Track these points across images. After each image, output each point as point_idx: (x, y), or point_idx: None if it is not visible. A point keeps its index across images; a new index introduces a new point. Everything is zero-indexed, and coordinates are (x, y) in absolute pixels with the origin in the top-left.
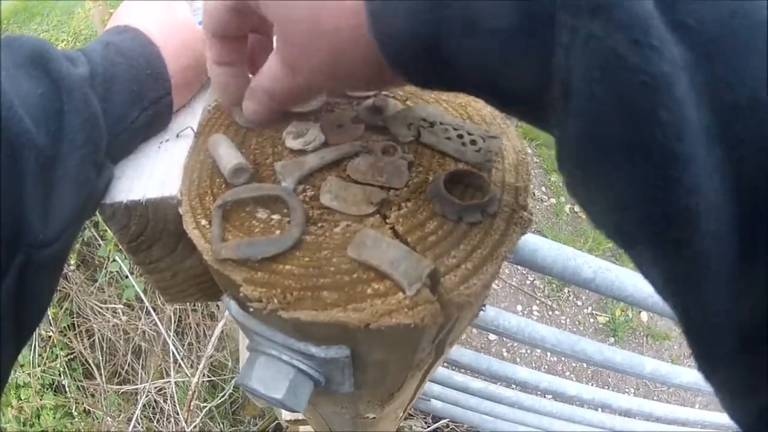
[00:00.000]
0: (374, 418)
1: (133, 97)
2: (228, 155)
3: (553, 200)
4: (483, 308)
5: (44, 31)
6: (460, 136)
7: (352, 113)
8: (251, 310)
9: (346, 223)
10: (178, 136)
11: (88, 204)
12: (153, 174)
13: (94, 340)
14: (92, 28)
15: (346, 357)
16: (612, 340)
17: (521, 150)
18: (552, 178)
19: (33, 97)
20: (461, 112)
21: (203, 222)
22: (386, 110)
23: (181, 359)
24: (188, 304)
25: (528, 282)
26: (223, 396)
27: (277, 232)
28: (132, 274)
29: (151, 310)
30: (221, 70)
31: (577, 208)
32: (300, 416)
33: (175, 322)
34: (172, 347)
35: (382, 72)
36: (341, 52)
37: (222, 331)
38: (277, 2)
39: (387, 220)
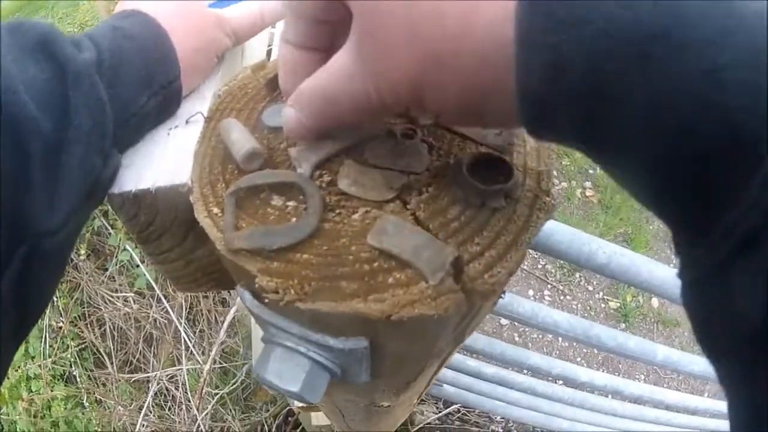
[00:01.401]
0: (389, 406)
1: (142, 82)
2: (240, 140)
3: (564, 184)
4: (503, 295)
5: (49, 24)
6: None
7: None
8: (266, 301)
9: (365, 209)
10: (187, 122)
11: (95, 192)
12: (162, 162)
13: (105, 330)
14: (98, 19)
15: (365, 348)
16: (623, 325)
17: None
18: (564, 162)
19: (38, 83)
20: None
21: (215, 210)
22: None
23: (193, 346)
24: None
25: (540, 266)
26: (234, 383)
27: (293, 219)
28: (143, 263)
29: (162, 298)
30: (296, 53)
31: (588, 193)
32: None
33: (186, 309)
34: (183, 334)
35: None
36: (474, 70)
37: (234, 318)
38: None
39: (408, 206)
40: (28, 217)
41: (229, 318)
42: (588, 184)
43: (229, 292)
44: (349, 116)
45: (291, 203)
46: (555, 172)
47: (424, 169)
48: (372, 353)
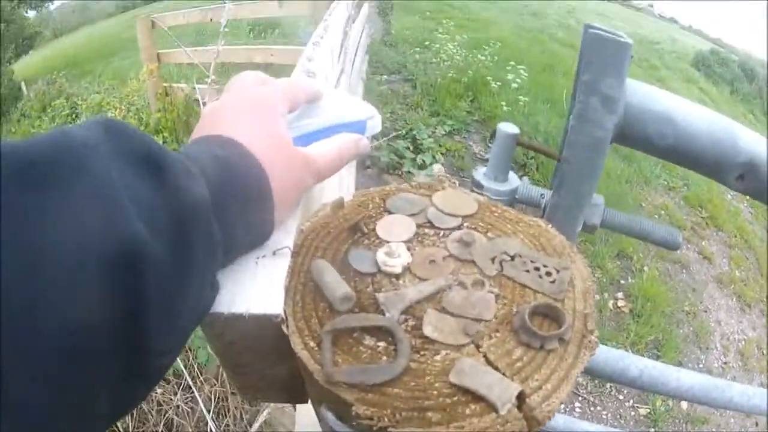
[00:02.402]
0: None
1: (242, 220)
2: (334, 283)
3: (597, 296)
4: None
5: (95, 92)
6: (537, 269)
7: (442, 249)
8: (354, 424)
9: (445, 351)
10: (275, 253)
11: (202, 317)
12: (253, 289)
13: None
14: (145, 98)
15: None
16: (652, 430)
17: (588, 278)
18: (597, 275)
19: (151, 207)
20: (535, 243)
21: (311, 343)
22: (473, 244)
23: None
24: (229, 386)
25: None
26: None
27: (384, 358)
28: None
29: (192, 385)
30: None
31: (620, 303)
32: None
33: (214, 401)
34: (210, 424)
35: None
36: None
37: (264, 420)
38: None
39: (480, 349)
40: (138, 335)
41: (261, 419)
42: (620, 294)
43: None
44: None
45: (381, 344)
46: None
47: (492, 316)
48: None
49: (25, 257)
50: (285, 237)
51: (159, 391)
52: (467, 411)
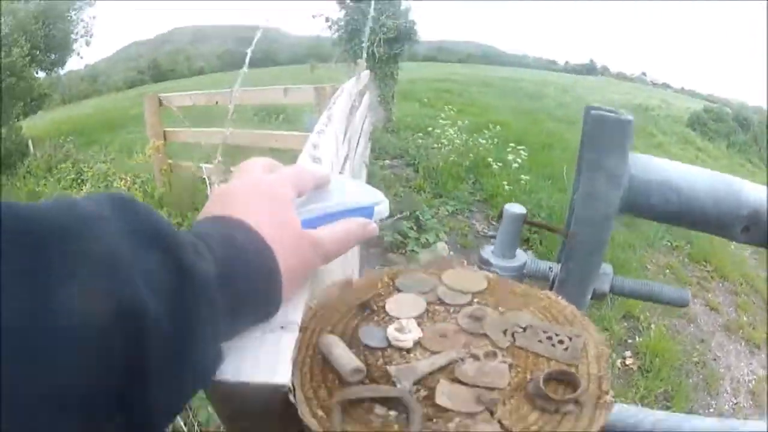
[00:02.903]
0: None
1: (249, 300)
2: (344, 357)
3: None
4: None
5: (102, 161)
6: (550, 338)
7: (453, 324)
8: None
9: (458, 419)
10: (282, 327)
11: (202, 387)
12: (259, 360)
13: None
14: (150, 171)
15: None
16: None
17: (600, 342)
18: (604, 335)
19: (158, 278)
20: (546, 314)
21: (320, 413)
22: (484, 319)
23: None
24: None
25: None
26: None
27: (396, 427)
28: None
29: None
30: None
31: (628, 362)
32: None
33: None
34: None
35: None
36: None
37: None
38: None
39: (494, 415)
40: (140, 402)
41: None
42: (628, 353)
43: None
44: None
45: (393, 413)
46: None
47: (506, 384)
48: None
49: (29, 317)
50: (293, 312)
51: None
52: None
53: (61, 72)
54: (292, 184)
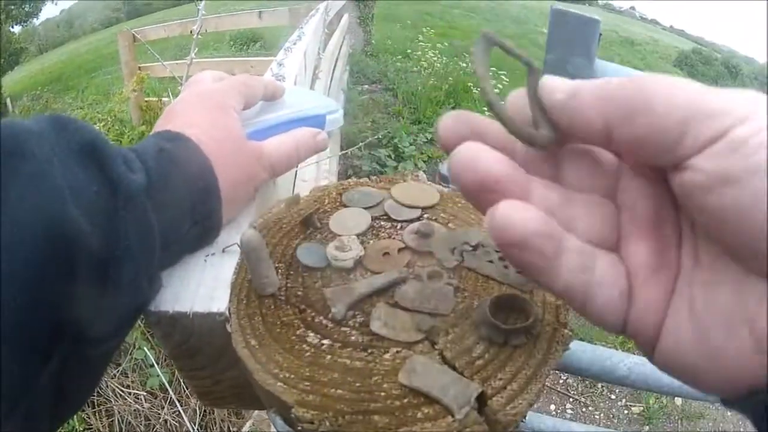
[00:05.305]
0: None
1: (184, 211)
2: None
3: None
4: (523, 419)
5: (79, 107)
6: (502, 259)
7: (398, 242)
8: (299, 428)
9: (395, 349)
10: (224, 251)
11: (139, 311)
12: (199, 287)
13: (113, 421)
14: (127, 112)
15: None
16: (646, 428)
17: None
18: None
19: (88, 194)
20: None
21: (253, 342)
22: (431, 235)
23: None
24: None
25: (561, 381)
26: None
27: (328, 357)
28: (158, 363)
29: (176, 401)
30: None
31: None
32: None
33: (200, 415)
34: None
35: None
36: None
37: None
38: None
39: (435, 346)
40: (72, 323)
41: (245, 430)
42: None
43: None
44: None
45: (326, 341)
46: None
47: (450, 311)
48: None
49: None
50: (236, 234)
51: (146, 405)
52: (419, 415)
53: (36, 22)
54: (238, 92)
